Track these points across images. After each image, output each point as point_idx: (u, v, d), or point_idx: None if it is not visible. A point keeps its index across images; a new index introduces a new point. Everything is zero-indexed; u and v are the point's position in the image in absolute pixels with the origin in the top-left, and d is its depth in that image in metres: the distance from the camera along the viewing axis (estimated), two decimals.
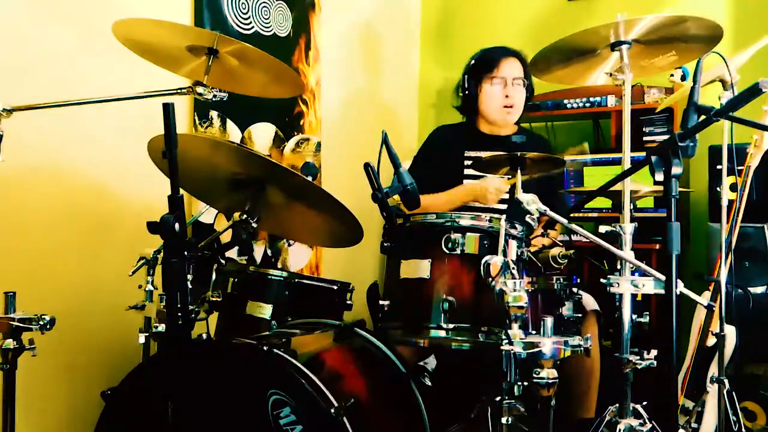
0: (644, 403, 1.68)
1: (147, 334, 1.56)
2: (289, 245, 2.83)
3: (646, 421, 1.66)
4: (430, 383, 1.76)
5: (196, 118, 2.43)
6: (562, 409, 1.46)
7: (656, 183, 1.29)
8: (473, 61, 2.63)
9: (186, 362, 1.36)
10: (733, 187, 2.14)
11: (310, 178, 1.64)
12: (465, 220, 1.66)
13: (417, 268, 1.65)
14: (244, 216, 1.59)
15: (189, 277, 1.47)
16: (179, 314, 1.22)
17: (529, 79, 2.58)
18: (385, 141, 1.74)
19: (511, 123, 2.60)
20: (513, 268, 1.56)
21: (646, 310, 1.64)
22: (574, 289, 1.84)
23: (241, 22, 2.59)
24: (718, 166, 2.09)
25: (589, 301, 2.15)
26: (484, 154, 2.55)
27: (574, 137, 3.31)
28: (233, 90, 1.62)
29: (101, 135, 2.09)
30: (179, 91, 1.48)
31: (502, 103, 2.54)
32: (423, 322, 1.63)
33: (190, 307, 1.51)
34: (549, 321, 1.41)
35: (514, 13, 3.51)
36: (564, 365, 1.43)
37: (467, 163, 2.58)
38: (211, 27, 2.46)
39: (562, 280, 1.84)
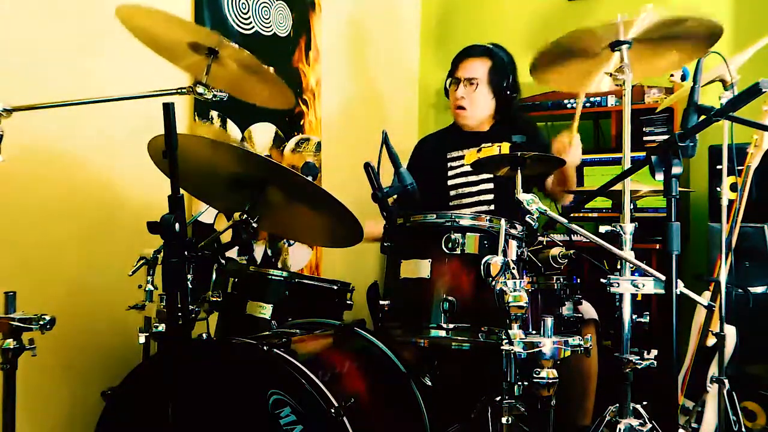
0: (644, 403, 1.68)
1: (147, 334, 1.56)
2: (289, 245, 2.83)
3: (646, 421, 1.66)
4: (430, 383, 1.75)
5: (196, 118, 2.43)
6: (558, 416, 1.46)
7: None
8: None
9: (186, 362, 1.36)
10: (733, 187, 2.14)
11: (310, 178, 1.64)
12: (465, 220, 1.66)
13: (417, 268, 1.65)
14: (244, 216, 1.59)
15: (189, 277, 1.48)
16: (179, 314, 1.22)
17: (499, 79, 2.51)
18: (385, 141, 1.75)
19: (467, 125, 2.58)
20: (513, 268, 1.56)
21: (646, 310, 1.64)
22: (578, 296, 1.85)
23: (241, 22, 2.59)
24: (718, 166, 2.09)
25: (588, 310, 2.14)
26: (465, 152, 2.57)
27: None
28: (229, 92, 1.62)
29: (101, 135, 2.09)
30: (179, 90, 1.48)
31: (455, 105, 2.55)
32: (423, 322, 1.63)
33: (190, 307, 1.51)
34: (549, 321, 1.41)
35: (514, 13, 3.51)
36: (561, 372, 1.43)
37: (452, 164, 2.58)
38: (212, 27, 2.45)
39: (562, 280, 1.84)
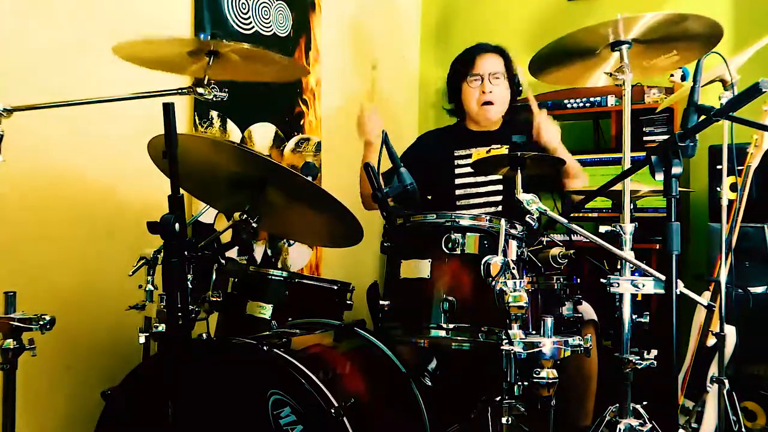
0: (644, 403, 1.68)
1: (147, 334, 1.56)
2: (289, 245, 2.83)
3: (646, 421, 1.66)
4: (430, 383, 1.75)
5: (196, 118, 2.43)
6: (558, 416, 1.46)
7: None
8: (453, 63, 2.64)
9: (186, 362, 1.36)
10: (733, 187, 2.14)
11: (310, 178, 1.64)
12: (465, 220, 1.66)
13: (417, 268, 1.65)
14: (244, 216, 1.59)
15: (189, 277, 1.48)
16: (179, 314, 1.22)
17: (512, 73, 2.56)
18: (385, 141, 1.75)
19: (492, 120, 2.58)
20: (513, 268, 1.56)
21: (646, 310, 1.64)
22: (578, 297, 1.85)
23: (241, 22, 2.59)
24: (718, 166, 2.09)
25: (588, 311, 2.14)
26: (473, 151, 2.57)
27: (574, 137, 3.31)
28: (241, 79, 1.63)
29: (101, 135, 2.09)
30: (179, 91, 1.48)
31: (481, 100, 2.53)
32: (423, 322, 1.63)
33: (190, 307, 1.51)
34: (549, 321, 1.41)
35: (514, 13, 3.51)
36: (562, 373, 1.42)
37: (459, 162, 2.58)
38: (212, 27, 2.46)
39: (562, 280, 1.84)
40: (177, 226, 1.18)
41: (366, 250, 2.36)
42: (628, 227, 1.60)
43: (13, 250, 1.88)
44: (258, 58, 1.58)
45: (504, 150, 2.54)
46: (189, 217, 2.10)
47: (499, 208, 2.51)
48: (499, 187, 2.51)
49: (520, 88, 2.60)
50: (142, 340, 1.56)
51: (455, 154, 2.60)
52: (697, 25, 1.56)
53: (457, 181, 2.57)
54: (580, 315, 1.88)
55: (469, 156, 2.58)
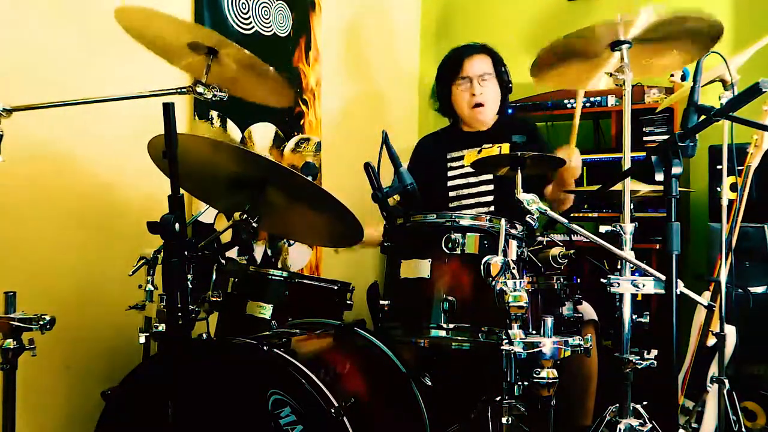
0: (644, 403, 1.68)
1: (147, 334, 1.56)
2: (289, 245, 2.83)
3: (646, 421, 1.66)
4: (430, 383, 1.75)
5: (196, 118, 2.43)
6: (559, 416, 1.46)
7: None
8: (441, 65, 2.63)
9: (186, 362, 1.36)
10: (733, 187, 2.15)
11: (310, 178, 1.64)
12: (465, 220, 1.66)
13: (417, 268, 1.65)
14: (244, 216, 1.59)
15: (189, 277, 1.48)
16: (179, 314, 1.22)
17: (502, 73, 2.56)
18: (385, 141, 1.75)
19: (483, 122, 2.58)
20: (513, 268, 1.56)
21: (646, 310, 1.64)
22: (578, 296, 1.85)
23: (241, 22, 2.59)
24: (718, 166, 2.10)
25: (588, 311, 2.15)
26: (465, 153, 2.57)
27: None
28: (229, 92, 1.62)
29: (101, 135, 2.09)
30: (179, 90, 1.48)
31: (471, 103, 2.53)
32: (423, 322, 1.63)
33: (190, 307, 1.51)
34: (549, 321, 1.41)
35: (514, 13, 3.51)
36: (562, 373, 1.42)
37: (452, 165, 2.58)
38: (211, 27, 2.45)
39: (562, 280, 1.84)
40: (177, 226, 1.18)
41: (366, 250, 2.36)
42: (628, 227, 1.60)
43: (13, 250, 1.88)
44: (254, 70, 1.58)
45: (495, 149, 2.55)
46: (189, 217, 2.10)
47: (491, 208, 2.51)
48: (491, 187, 2.52)
49: (510, 85, 2.60)
50: (142, 340, 1.56)
51: (448, 156, 2.60)
52: (698, 24, 1.56)
53: (450, 183, 2.57)
54: (580, 315, 1.88)
55: (462, 158, 2.58)
